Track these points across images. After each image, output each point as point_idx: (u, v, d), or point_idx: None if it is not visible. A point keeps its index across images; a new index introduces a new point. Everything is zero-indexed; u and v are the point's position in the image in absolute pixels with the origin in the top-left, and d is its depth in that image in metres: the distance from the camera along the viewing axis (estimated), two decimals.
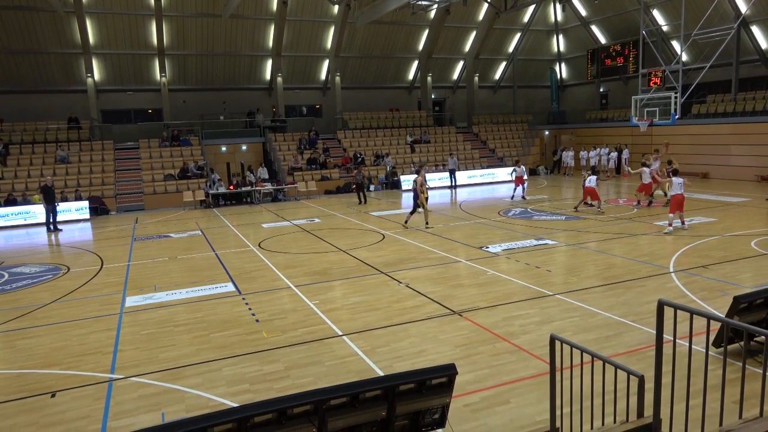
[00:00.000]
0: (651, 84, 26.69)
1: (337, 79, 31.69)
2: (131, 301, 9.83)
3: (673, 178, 13.75)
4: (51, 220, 18.98)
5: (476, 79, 35.64)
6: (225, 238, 15.73)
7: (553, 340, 4.19)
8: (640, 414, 3.65)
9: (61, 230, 18.99)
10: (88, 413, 5.83)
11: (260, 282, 10.69)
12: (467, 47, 34.98)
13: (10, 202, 21.23)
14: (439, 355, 6.73)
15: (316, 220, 18.45)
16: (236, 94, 31.10)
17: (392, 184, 27.46)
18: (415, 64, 34.65)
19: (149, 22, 27.18)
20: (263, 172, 26.46)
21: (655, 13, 29.39)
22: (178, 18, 27.44)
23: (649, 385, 3.58)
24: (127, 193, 24.25)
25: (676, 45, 29.21)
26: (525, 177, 21.72)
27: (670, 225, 13.55)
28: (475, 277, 10.37)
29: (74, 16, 25.31)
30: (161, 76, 28.80)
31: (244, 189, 24.56)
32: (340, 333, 7.69)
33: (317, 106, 34.15)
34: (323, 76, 33.05)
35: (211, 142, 28.25)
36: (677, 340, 3.60)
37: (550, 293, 9.07)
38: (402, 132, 32.13)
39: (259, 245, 14.37)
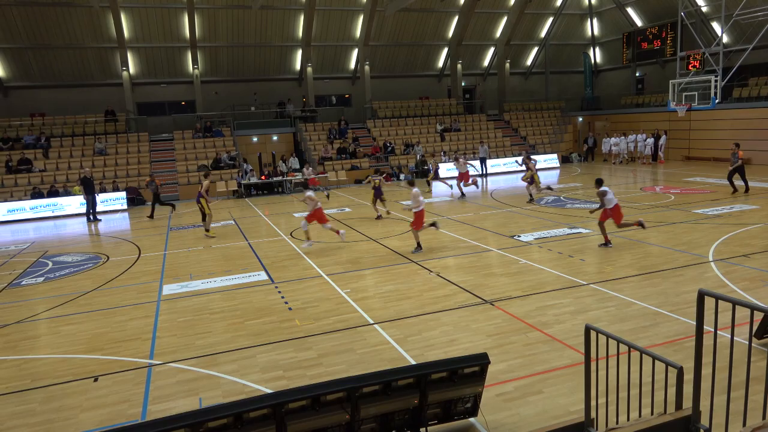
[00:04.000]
0: (690, 67, 25.83)
1: (367, 68, 31.61)
2: (168, 289, 10.09)
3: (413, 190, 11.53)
4: (90, 211, 19.57)
5: (507, 65, 35.08)
6: (257, 228, 15.96)
7: (588, 330, 4.14)
8: (679, 406, 3.58)
9: (100, 220, 19.57)
10: (129, 397, 6.03)
11: (292, 271, 10.82)
12: (498, 33, 34.43)
13: (52, 193, 21.96)
14: (471, 345, 6.72)
15: (347, 209, 18.53)
16: (267, 85, 31.36)
17: (422, 173, 27.33)
18: (445, 51, 34.30)
19: (181, 15, 27.57)
20: (294, 162, 26.69)
21: None
22: (209, 10, 27.75)
23: (688, 377, 3.51)
24: (162, 183, 24.75)
25: (716, 26, 28.14)
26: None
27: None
28: (506, 266, 10.29)
29: (109, 10, 25.83)
30: (194, 68, 29.23)
31: (275, 179, 24.83)
32: (372, 321, 7.75)
33: (346, 96, 34.17)
34: (352, 65, 33.02)
35: (243, 133, 28.61)
36: (718, 331, 3.51)
37: (584, 282, 8.93)
38: (432, 120, 31.92)
39: (290, 234, 14.53)
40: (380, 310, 8.18)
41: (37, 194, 21.82)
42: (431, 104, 33.39)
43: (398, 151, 28.90)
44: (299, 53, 31.14)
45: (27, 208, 21.07)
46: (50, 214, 21.09)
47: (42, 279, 11.53)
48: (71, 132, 26.42)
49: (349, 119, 31.09)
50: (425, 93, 34.58)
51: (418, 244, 11.71)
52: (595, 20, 36.37)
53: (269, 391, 5.83)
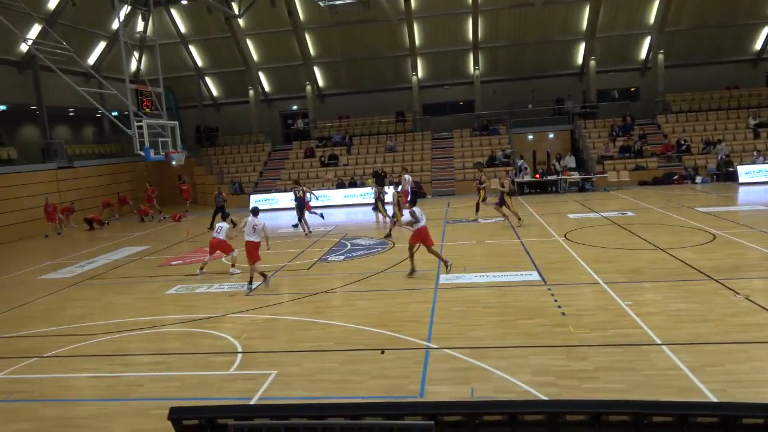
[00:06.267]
0: None
1: (660, 56, 28.30)
2: (444, 278, 10.70)
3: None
4: (379, 199, 21.99)
5: None
6: (529, 227, 15.75)
7: None
8: None
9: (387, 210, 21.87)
10: (409, 374, 6.58)
11: (566, 274, 10.37)
12: None
13: (352, 184, 25.48)
14: None
15: (629, 213, 16.93)
16: (544, 82, 30.63)
17: (725, 176, 23.34)
18: (766, 29, 28.44)
19: (466, 19, 28.82)
20: (570, 161, 25.56)
21: None
22: (492, 12, 28.37)
23: None
24: (440, 179, 26.51)
25: None
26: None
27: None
28: None
29: (404, 22, 28.57)
30: (474, 69, 30.36)
31: (549, 178, 24.19)
32: (659, 341, 6.90)
33: (632, 89, 31.20)
34: (642, 55, 29.93)
35: (519, 131, 28.64)
36: None
37: None
38: (742, 114, 26.89)
39: (564, 236, 13.96)
40: (669, 330, 7.24)
41: (340, 185, 25.58)
42: (742, 95, 28.14)
43: (695, 150, 25.19)
44: (581, 46, 29.58)
45: (358, 194, 24.63)
46: (349, 201, 24.50)
47: (342, 258, 13.46)
48: (368, 131, 30.31)
49: (636, 114, 28.31)
50: (734, 81, 29.22)
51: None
52: None
53: (541, 395, 5.69)
